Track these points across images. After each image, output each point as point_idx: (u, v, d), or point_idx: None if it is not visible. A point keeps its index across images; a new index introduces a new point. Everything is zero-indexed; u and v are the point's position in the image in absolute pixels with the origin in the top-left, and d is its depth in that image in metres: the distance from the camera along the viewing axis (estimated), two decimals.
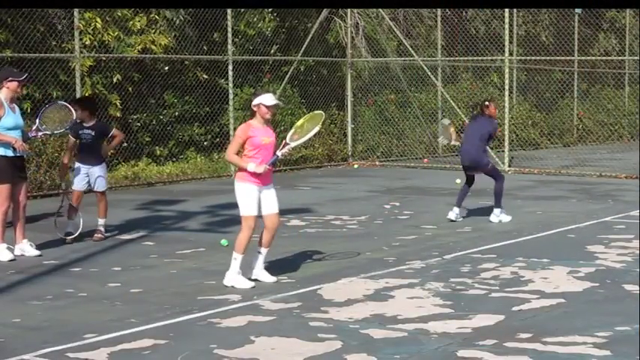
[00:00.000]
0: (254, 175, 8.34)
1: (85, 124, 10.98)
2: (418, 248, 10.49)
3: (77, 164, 11.07)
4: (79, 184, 11.06)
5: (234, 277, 8.45)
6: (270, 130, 8.54)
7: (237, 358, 6.25)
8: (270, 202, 8.51)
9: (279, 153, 8.53)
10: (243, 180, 8.40)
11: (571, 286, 8.49)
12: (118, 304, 7.81)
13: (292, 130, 8.75)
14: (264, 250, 8.65)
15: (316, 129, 8.69)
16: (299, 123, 8.81)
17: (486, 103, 12.65)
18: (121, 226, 11.98)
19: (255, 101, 8.40)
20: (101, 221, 11.14)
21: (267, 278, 8.67)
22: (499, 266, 9.41)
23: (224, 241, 10.66)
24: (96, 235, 11.04)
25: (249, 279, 8.53)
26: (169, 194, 15.66)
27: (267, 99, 8.37)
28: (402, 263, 9.57)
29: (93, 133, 10.98)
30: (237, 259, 8.44)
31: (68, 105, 10.59)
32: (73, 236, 10.85)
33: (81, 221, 10.91)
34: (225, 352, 6.36)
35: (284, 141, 8.65)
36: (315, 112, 8.97)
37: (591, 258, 9.86)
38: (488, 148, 13.20)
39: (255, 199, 8.39)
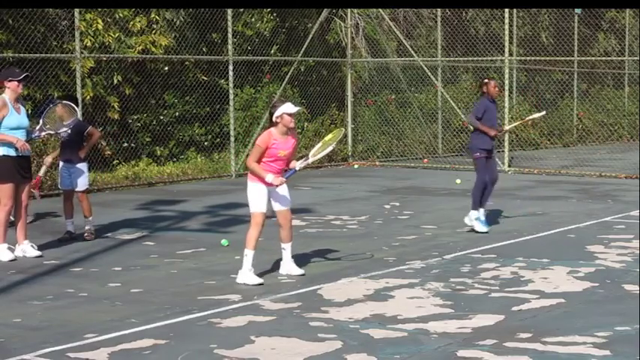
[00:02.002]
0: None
1: (64, 122, 10.96)
2: (418, 248, 10.49)
3: (60, 163, 11.08)
4: (64, 182, 11.05)
5: (244, 274, 8.59)
6: (291, 140, 8.66)
7: (237, 358, 6.25)
8: (280, 198, 8.73)
9: (297, 167, 8.69)
10: (254, 180, 8.62)
11: (571, 286, 8.49)
12: (118, 304, 7.82)
13: (319, 145, 8.92)
14: (286, 246, 8.93)
15: (333, 145, 8.86)
16: (327, 138, 8.97)
17: (485, 80, 11.79)
18: (122, 226, 11.99)
19: (278, 112, 8.52)
20: (88, 220, 11.11)
21: (295, 271, 8.90)
22: (499, 266, 9.41)
23: (224, 241, 10.67)
24: (86, 235, 11.03)
25: (257, 277, 8.60)
26: (170, 194, 15.67)
27: (289, 107, 8.52)
28: (402, 263, 9.58)
29: (69, 131, 10.90)
30: (247, 255, 8.60)
31: (71, 104, 10.57)
32: (91, 234, 10.98)
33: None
34: (225, 352, 6.36)
35: (306, 156, 8.84)
36: (341, 129, 9.12)
37: (591, 258, 9.86)
38: (482, 134, 11.64)
39: (263, 197, 8.60)
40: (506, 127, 12.40)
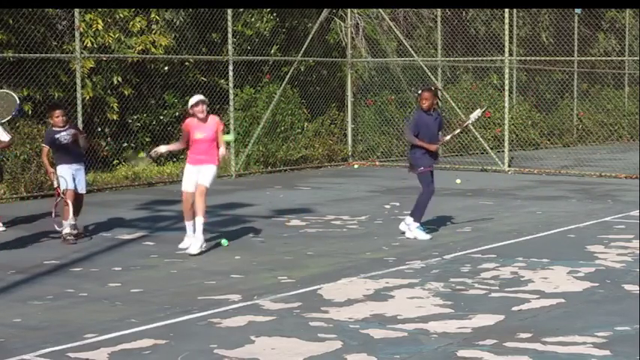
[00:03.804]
0: (191, 159, 10.19)
1: (59, 129, 11.01)
2: (418, 248, 10.49)
3: (61, 167, 11.00)
4: (70, 183, 11.00)
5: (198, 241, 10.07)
6: (209, 126, 10.16)
7: (237, 358, 6.25)
8: (199, 176, 10.12)
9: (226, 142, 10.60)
10: (187, 162, 10.34)
11: (571, 286, 8.49)
12: (118, 304, 7.81)
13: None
14: (197, 219, 10.14)
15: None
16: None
17: (419, 92, 11.18)
18: (122, 226, 11.99)
19: (189, 104, 10.24)
20: (76, 219, 11.08)
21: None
22: (499, 266, 9.41)
23: (224, 241, 10.68)
24: (79, 234, 11.04)
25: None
26: (170, 194, 15.65)
27: (191, 100, 10.20)
28: (402, 263, 9.57)
29: (72, 132, 11.05)
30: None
31: (11, 92, 10.66)
32: (73, 236, 10.85)
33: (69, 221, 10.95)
34: (225, 352, 6.36)
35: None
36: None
37: (591, 258, 9.86)
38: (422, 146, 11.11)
39: (188, 178, 10.20)
40: (447, 137, 11.39)
